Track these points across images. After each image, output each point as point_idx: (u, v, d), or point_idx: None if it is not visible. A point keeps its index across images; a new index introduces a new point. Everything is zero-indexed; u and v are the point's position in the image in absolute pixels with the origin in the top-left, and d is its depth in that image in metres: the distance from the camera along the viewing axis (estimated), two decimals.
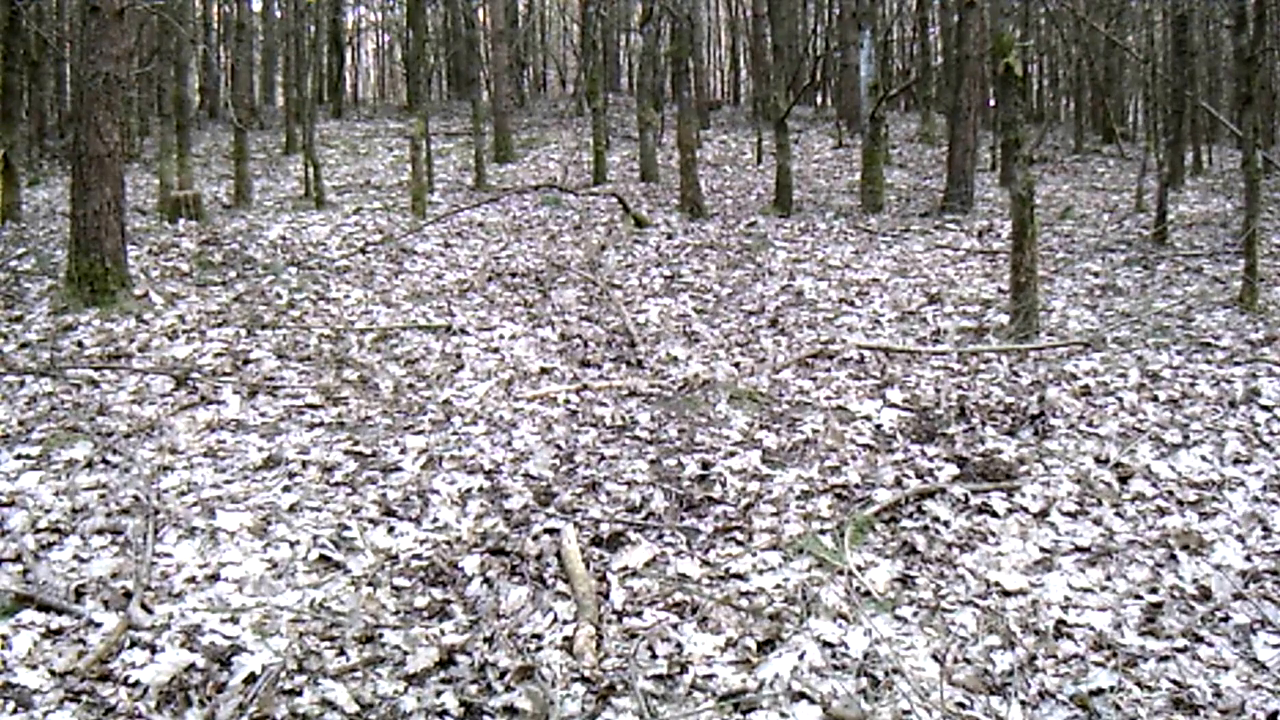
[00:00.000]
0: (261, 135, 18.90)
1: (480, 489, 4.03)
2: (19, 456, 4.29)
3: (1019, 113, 6.47)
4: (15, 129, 10.76)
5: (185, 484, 4.05)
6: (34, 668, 2.77)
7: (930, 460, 4.28)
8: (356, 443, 4.54)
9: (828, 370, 5.70)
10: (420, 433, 4.69)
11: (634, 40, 25.07)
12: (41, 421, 4.74)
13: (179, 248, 8.92)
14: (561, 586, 3.23)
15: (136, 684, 2.69)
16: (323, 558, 3.45)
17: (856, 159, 14.21)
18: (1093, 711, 2.59)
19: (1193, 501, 3.88)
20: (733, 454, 4.36)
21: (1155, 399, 5.05)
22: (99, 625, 2.97)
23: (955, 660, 2.83)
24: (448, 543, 3.56)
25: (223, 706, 2.60)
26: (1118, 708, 2.60)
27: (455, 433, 4.70)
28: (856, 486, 4.02)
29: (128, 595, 3.14)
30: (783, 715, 2.58)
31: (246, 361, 5.85)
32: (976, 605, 3.12)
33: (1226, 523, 3.68)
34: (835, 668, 2.79)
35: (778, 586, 3.23)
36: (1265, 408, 4.86)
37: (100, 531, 3.60)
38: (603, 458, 4.37)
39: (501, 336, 6.50)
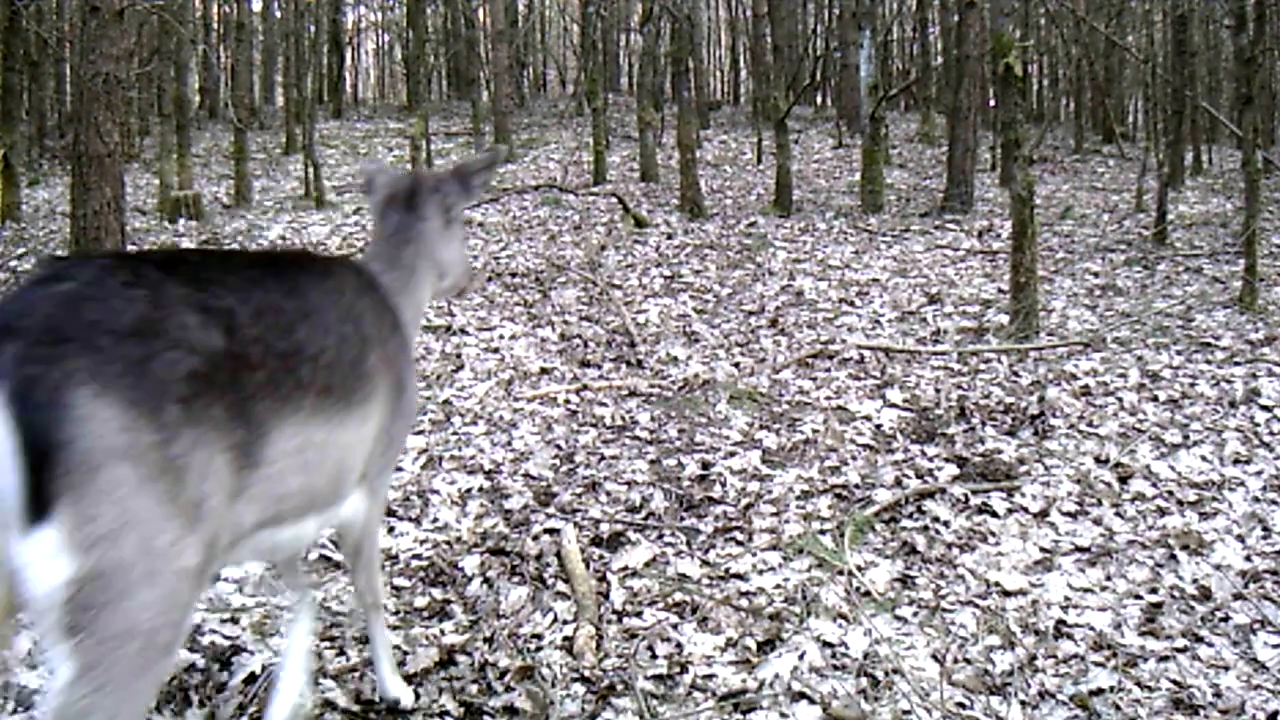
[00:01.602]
0: (261, 135, 18.90)
1: (480, 489, 4.03)
2: None
3: (1019, 113, 6.47)
4: (15, 129, 10.77)
5: None
6: (34, 668, 2.77)
7: (930, 460, 4.28)
8: None
9: (828, 370, 5.70)
10: (420, 433, 4.69)
11: (634, 40, 25.06)
12: None
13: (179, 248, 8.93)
14: (561, 586, 3.23)
15: None
16: (323, 558, 3.45)
17: (856, 159, 14.21)
18: (1093, 711, 2.59)
19: (1193, 501, 3.88)
20: (733, 454, 4.36)
21: (1155, 399, 5.05)
22: None
23: (955, 660, 2.83)
24: (448, 543, 3.56)
25: (223, 706, 2.60)
26: (1118, 708, 2.60)
27: (455, 433, 4.70)
28: (856, 486, 4.02)
29: None
30: (783, 715, 2.58)
31: None
32: (976, 605, 3.12)
33: (1226, 523, 3.68)
34: (835, 668, 2.79)
35: (778, 586, 3.23)
36: (1265, 408, 4.86)
37: None
38: (603, 458, 4.37)
39: (501, 336, 6.50)
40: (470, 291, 2.68)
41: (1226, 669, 2.77)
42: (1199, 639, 2.92)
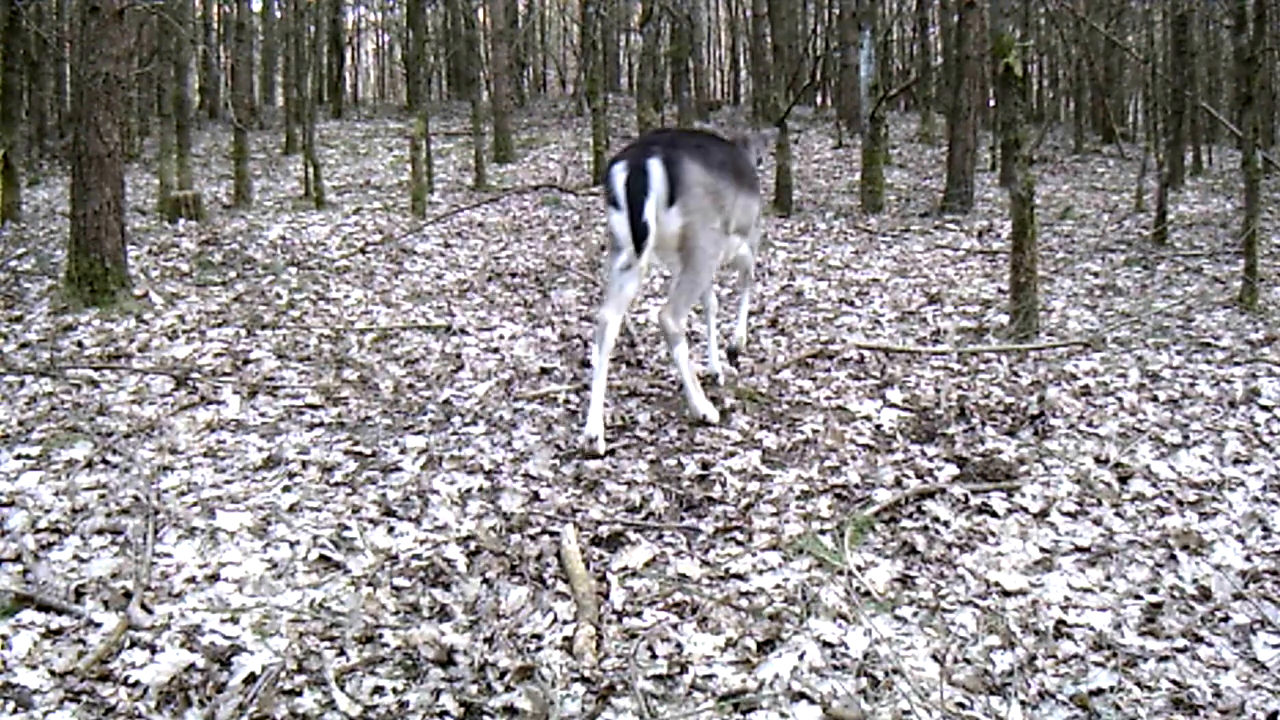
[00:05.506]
0: (261, 135, 18.91)
1: (480, 489, 4.03)
2: (19, 456, 4.29)
3: (1019, 113, 6.47)
4: (15, 129, 10.76)
5: (185, 484, 4.05)
6: (34, 668, 2.78)
7: (930, 460, 4.28)
8: (356, 443, 4.54)
9: (828, 370, 5.70)
10: (420, 433, 4.69)
11: (634, 40, 25.05)
12: (41, 421, 4.74)
13: (179, 248, 8.93)
14: (561, 586, 3.23)
15: (136, 684, 2.69)
16: (323, 558, 3.45)
17: (856, 159, 14.21)
18: (1093, 711, 2.59)
19: (1193, 501, 3.88)
20: (733, 454, 4.36)
21: (1155, 399, 5.05)
22: (99, 625, 2.98)
23: (955, 660, 2.83)
24: (447, 543, 3.56)
25: (223, 706, 2.60)
26: (1118, 708, 2.60)
27: (455, 433, 4.70)
28: (856, 486, 4.02)
29: (128, 595, 3.14)
30: (783, 715, 2.58)
31: (246, 361, 5.85)
32: (976, 605, 3.12)
33: (1226, 523, 3.68)
34: (835, 668, 2.79)
35: (778, 586, 3.23)
36: (1265, 408, 4.86)
37: (100, 531, 3.60)
38: (603, 457, 4.37)
39: (501, 336, 6.50)
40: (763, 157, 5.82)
41: (1226, 669, 2.77)
42: (1199, 639, 2.92)
